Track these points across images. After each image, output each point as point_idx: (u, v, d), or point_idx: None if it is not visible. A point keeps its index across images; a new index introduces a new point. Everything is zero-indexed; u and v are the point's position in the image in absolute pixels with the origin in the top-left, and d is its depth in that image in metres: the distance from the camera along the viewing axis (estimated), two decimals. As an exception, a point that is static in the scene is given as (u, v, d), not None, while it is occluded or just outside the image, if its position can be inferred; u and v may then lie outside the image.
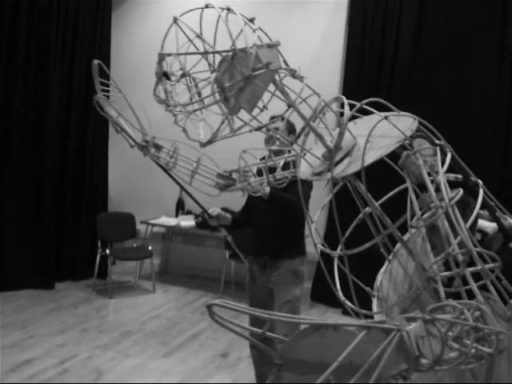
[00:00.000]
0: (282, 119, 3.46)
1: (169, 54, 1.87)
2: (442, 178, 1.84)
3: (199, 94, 2.06)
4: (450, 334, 1.59)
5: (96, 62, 2.35)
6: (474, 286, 1.79)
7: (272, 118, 3.52)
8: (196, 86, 2.03)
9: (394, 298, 2.34)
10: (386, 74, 6.47)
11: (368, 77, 6.58)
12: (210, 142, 1.97)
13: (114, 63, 7.74)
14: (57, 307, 6.26)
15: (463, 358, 1.62)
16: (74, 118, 7.15)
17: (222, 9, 1.81)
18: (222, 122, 1.90)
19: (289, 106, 1.95)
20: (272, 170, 2.63)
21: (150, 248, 7.12)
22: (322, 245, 2.23)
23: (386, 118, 1.93)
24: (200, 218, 6.99)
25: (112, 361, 4.88)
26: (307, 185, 3.47)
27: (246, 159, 2.50)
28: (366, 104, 1.96)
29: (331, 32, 6.99)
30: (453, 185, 1.95)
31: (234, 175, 2.56)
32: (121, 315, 6.15)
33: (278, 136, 3.38)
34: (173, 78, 1.96)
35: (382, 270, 2.41)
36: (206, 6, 1.86)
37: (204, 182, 2.46)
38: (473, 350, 1.63)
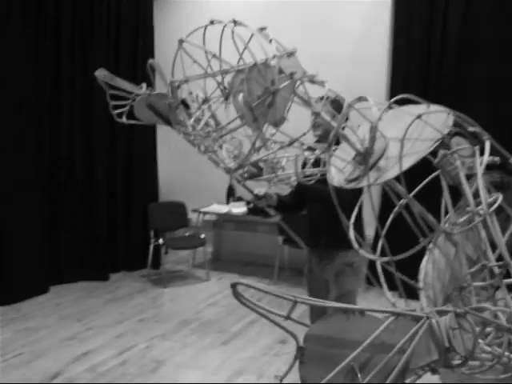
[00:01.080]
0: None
1: (185, 81, 1.77)
2: (480, 182, 1.69)
3: (214, 119, 1.98)
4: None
5: (151, 61, 2.25)
6: (508, 297, 1.67)
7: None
8: (209, 110, 1.94)
9: (438, 287, 2.25)
10: (435, 63, 6.27)
11: (416, 65, 6.38)
12: (240, 166, 1.88)
13: (158, 50, 7.69)
14: (113, 298, 6.27)
15: (496, 360, 1.54)
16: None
17: (234, 22, 1.70)
18: (254, 144, 1.78)
19: (315, 114, 1.83)
20: (316, 163, 2.47)
21: (202, 236, 7.08)
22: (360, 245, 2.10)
23: (419, 117, 1.75)
24: (251, 204, 6.92)
25: (170, 350, 4.85)
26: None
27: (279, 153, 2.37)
28: (395, 102, 1.80)
29: (376, 20, 6.79)
30: (490, 168, 1.81)
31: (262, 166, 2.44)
32: (176, 304, 6.13)
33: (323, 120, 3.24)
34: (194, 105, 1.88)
35: (424, 261, 2.30)
36: (211, 23, 1.77)
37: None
38: (506, 354, 1.55)
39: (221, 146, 2.16)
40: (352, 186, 1.87)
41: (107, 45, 6.94)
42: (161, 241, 6.85)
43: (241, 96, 1.74)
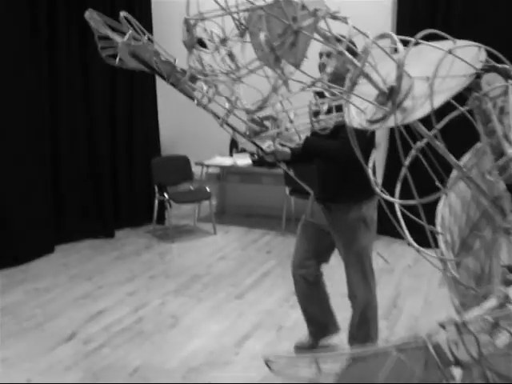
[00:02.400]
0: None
1: (202, 18, 1.62)
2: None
3: (232, 58, 1.83)
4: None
5: (123, 13, 2.09)
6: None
7: (321, 54, 3.25)
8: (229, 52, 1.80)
9: (455, 231, 2.16)
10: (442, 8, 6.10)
11: (423, 12, 6.21)
12: (260, 108, 1.74)
13: (156, 13, 7.47)
14: (120, 255, 6.19)
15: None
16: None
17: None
18: (274, 85, 1.64)
19: (338, 53, 1.68)
20: (317, 113, 2.31)
21: (207, 189, 6.97)
22: (382, 191, 1.98)
23: (450, 52, 1.59)
24: (256, 156, 6.79)
25: (185, 305, 4.79)
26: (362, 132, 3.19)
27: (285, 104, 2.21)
28: (421, 38, 1.63)
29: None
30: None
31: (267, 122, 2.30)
32: (185, 259, 6.06)
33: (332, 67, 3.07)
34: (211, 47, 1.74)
35: (441, 205, 2.20)
36: None
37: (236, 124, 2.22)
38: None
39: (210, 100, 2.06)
40: (376, 126, 1.73)
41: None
42: (166, 195, 6.72)
43: (262, 35, 1.60)
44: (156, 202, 6.89)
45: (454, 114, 1.89)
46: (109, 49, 2.23)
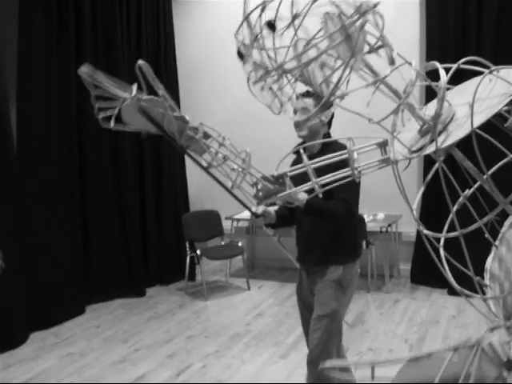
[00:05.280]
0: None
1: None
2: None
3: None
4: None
5: (140, 62, 1.96)
6: None
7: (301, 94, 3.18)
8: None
9: (507, 286, 2.05)
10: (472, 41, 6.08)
11: (453, 46, 6.19)
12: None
13: (180, 54, 7.48)
14: (154, 315, 6.02)
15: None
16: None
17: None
18: (345, 70, 1.51)
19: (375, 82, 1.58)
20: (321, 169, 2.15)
21: (239, 244, 6.81)
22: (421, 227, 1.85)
23: (491, 72, 1.56)
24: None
25: (229, 368, 4.58)
26: (356, 185, 3.09)
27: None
28: (463, 64, 1.60)
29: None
30: None
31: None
32: (222, 317, 5.86)
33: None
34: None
35: (490, 257, 2.08)
36: None
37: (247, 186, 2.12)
38: None
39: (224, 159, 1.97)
40: (417, 155, 1.71)
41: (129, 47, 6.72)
42: (199, 251, 6.55)
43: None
44: (188, 258, 6.72)
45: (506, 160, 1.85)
46: (108, 110, 2.10)
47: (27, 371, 4.74)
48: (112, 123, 2.09)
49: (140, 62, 1.95)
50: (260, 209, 3.26)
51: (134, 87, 2.02)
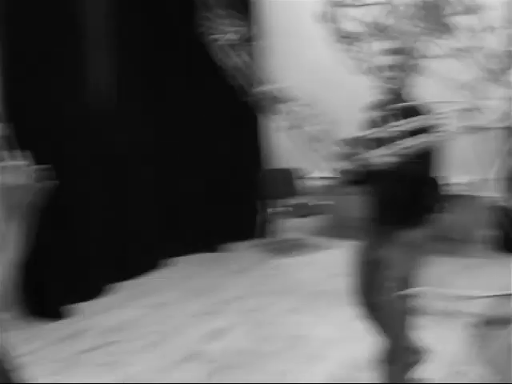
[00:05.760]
0: None
1: None
2: None
3: None
4: None
5: None
6: None
7: None
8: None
9: None
10: None
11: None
12: None
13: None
14: (234, 270, 6.12)
15: None
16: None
17: None
18: None
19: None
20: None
21: (321, 203, 6.79)
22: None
23: None
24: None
25: (310, 325, 4.60)
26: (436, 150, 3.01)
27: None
28: None
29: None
30: None
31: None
32: (302, 275, 5.89)
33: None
34: None
35: None
36: None
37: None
38: None
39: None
40: None
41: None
42: (279, 209, 6.57)
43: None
44: (268, 215, 6.75)
45: None
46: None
47: (113, 319, 4.92)
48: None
49: None
50: (339, 166, 3.26)
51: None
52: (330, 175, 3.30)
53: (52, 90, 5.03)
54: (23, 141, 1.89)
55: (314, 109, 2.08)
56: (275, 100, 2.12)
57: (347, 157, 2.24)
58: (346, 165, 3.21)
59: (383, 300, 3.42)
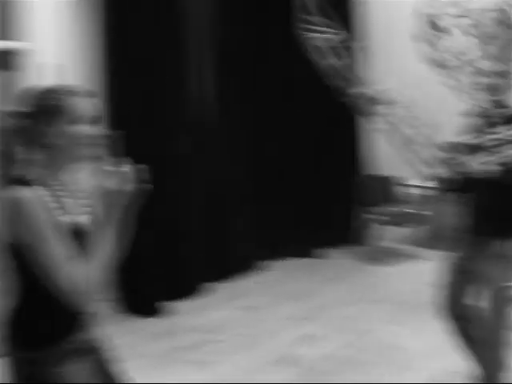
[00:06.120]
0: None
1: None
2: None
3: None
4: None
5: None
6: None
7: None
8: None
9: None
10: None
11: None
12: None
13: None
14: (330, 276, 6.02)
15: None
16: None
17: None
18: None
19: None
20: None
21: (421, 212, 6.61)
22: None
23: None
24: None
25: (409, 336, 4.44)
26: None
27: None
28: None
29: None
30: None
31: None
32: (400, 284, 5.72)
33: None
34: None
35: None
36: None
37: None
38: None
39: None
40: None
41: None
42: (376, 216, 6.45)
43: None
44: (366, 222, 6.64)
45: None
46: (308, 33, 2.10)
47: (204, 319, 4.96)
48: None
49: None
50: (436, 172, 3.22)
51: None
52: (428, 183, 3.25)
53: (155, 100, 5.24)
54: (126, 148, 1.95)
55: (412, 112, 2.01)
56: (373, 102, 2.07)
57: (446, 162, 2.17)
58: (443, 171, 3.13)
59: (474, 313, 3.34)
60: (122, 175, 1.80)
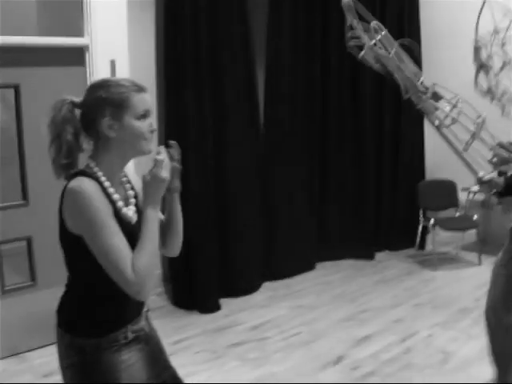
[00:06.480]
0: None
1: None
2: None
3: None
4: None
5: (374, 23, 1.96)
6: None
7: None
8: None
9: None
10: None
11: None
12: None
13: (424, 20, 7.31)
14: (382, 279, 6.09)
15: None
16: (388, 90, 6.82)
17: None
18: None
19: None
20: None
21: (474, 218, 6.59)
22: None
23: None
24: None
25: (455, 341, 4.51)
26: None
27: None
28: None
29: None
30: None
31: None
32: (451, 290, 5.74)
33: None
34: (492, 72, 1.61)
35: None
36: None
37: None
38: None
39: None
40: None
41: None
42: (432, 221, 6.47)
43: None
44: (420, 226, 6.67)
45: None
46: (356, 40, 2.16)
47: (259, 317, 5.10)
48: (361, 54, 2.17)
49: (373, 23, 2.01)
50: (487, 175, 3.17)
51: (376, 39, 2.06)
52: (485, 187, 3.23)
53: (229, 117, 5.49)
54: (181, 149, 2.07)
55: (469, 112, 2.08)
56: (437, 98, 2.13)
57: (505, 162, 2.20)
58: (499, 172, 3.12)
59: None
60: (158, 163, 1.87)
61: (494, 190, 3.25)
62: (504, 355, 3.43)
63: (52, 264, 3.63)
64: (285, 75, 6.01)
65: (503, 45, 1.54)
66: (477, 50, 1.62)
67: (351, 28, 2.09)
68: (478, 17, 1.57)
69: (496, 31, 1.58)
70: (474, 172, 2.93)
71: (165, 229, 2.10)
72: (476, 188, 6.25)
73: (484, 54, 1.61)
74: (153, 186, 1.88)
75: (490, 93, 1.62)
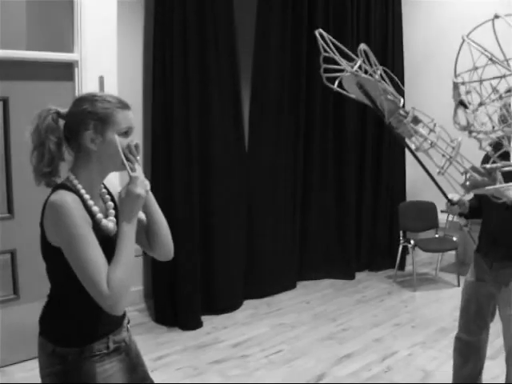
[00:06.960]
0: None
1: (462, 83, 1.64)
2: None
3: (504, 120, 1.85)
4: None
5: (363, 46, 2.04)
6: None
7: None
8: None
9: None
10: None
11: None
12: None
13: (408, 46, 7.45)
14: (362, 299, 6.13)
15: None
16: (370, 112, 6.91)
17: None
18: None
19: None
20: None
21: (454, 239, 6.69)
22: None
23: None
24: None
25: (435, 360, 4.58)
26: None
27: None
28: None
29: None
30: None
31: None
32: (430, 310, 5.81)
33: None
34: (470, 107, 1.70)
35: None
36: (496, 17, 1.57)
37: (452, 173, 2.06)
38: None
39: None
40: None
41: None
42: (412, 242, 6.54)
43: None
44: (400, 247, 6.74)
45: None
46: (332, 72, 2.20)
47: (241, 334, 5.11)
48: (335, 85, 2.20)
49: (362, 45, 2.06)
50: (456, 197, 3.27)
51: (358, 62, 2.11)
52: (448, 202, 3.30)
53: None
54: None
55: (445, 135, 2.13)
56: (416, 121, 2.18)
57: (477, 186, 2.25)
58: (468, 194, 3.19)
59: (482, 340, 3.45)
60: (133, 180, 1.91)
61: (459, 211, 3.34)
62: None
63: (35, 278, 3.62)
64: (271, 84, 6.08)
65: (481, 82, 1.60)
66: (455, 86, 1.67)
67: (325, 60, 2.13)
68: (458, 54, 1.63)
69: (475, 68, 1.64)
70: (445, 195, 3.00)
71: (148, 230, 2.13)
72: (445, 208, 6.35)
73: (463, 90, 1.68)
74: (128, 202, 1.91)
75: (468, 128, 1.68)
